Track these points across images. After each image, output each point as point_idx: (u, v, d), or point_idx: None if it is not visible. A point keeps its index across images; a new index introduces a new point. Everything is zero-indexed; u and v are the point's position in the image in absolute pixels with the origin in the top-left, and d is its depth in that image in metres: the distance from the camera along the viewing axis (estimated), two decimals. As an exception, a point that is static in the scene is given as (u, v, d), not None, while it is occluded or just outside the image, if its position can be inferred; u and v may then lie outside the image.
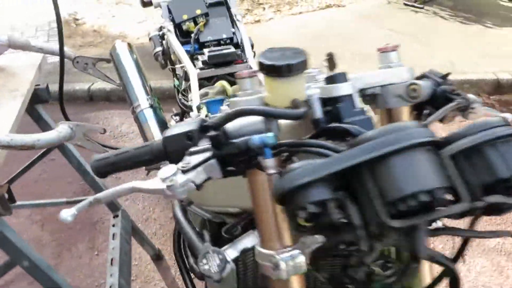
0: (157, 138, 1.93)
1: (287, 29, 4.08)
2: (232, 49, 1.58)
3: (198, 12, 1.73)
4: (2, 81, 1.25)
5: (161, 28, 1.98)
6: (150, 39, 2.04)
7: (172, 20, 1.76)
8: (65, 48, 1.40)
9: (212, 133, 0.62)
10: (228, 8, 1.84)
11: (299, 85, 0.63)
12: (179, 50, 1.63)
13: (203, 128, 0.64)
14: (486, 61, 3.35)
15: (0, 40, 1.31)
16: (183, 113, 1.80)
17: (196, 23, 1.74)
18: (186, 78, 1.66)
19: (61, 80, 1.16)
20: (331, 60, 0.76)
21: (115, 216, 1.74)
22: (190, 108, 1.54)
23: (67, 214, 0.66)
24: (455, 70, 3.26)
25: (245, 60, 1.60)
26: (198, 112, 1.41)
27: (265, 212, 0.68)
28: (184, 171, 0.60)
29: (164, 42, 1.80)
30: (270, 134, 0.58)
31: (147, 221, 2.25)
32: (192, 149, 0.63)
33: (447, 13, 4.20)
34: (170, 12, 1.78)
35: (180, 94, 1.65)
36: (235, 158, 0.62)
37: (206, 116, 1.30)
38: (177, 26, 1.74)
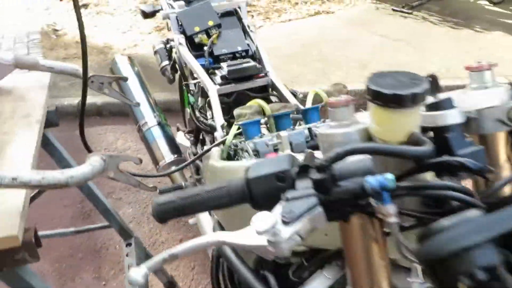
0: (167, 158, 1.82)
1: (279, 37, 4.02)
2: (252, 63, 1.49)
3: (211, 23, 1.64)
4: (12, 106, 1.12)
5: (168, 41, 1.87)
6: (155, 52, 1.93)
7: (183, 32, 1.66)
8: (79, 67, 1.29)
9: (316, 175, 0.53)
10: (240, 19, 1.75)
11: (417, 116, 0.55)
12: (195, 65, 1.53)
13: (302, 169, 0.55)
14: (481, 65, 3.36)
15: (5, 60, 1.18)
16: (198, 131, 1.69)
17: (209, 35, 1.64)
18: (203, 94, 1.57)
19: (83, 108, 1.05)
20: (434, 82, 0.67)
21: (128, 245, 1.62)
22: (211, 127, 1.44)
23: (137, 275, 0.56)
24: (450, 75, 3.26)
25: (265, 74, 1.52)
26: (223, 131, 1.32)
27: (363, 260, 0.59)
28: (287, 222, 0.51)
29: (174, 55, 1.69)
30: (389, 176, 0.50)
31: (155, 245, 2.12)
32: (290, 193, 0.54)
33: (435, 18, 4.22)
34: (180, 24, 1.67)
35: (197, 112, 1.54)
36: (342, 203, 0.53)
37: (236, 136, 1.21)
38: (189, 39, 1.64)
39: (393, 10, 4.42)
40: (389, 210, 0.50)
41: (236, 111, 1.10)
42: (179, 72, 1.82)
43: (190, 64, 1.55)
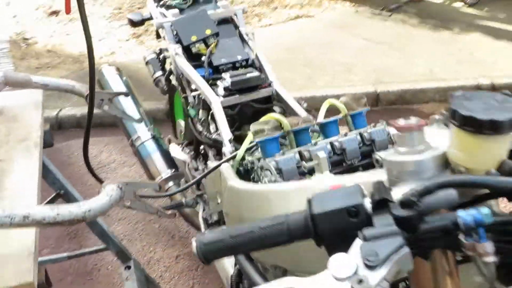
0: (163, 173, 1.73)
1: (261, 42, 3.95)
2: (256, 73, 1.42)
3: (208, 32, 1.57)
4: (6, 128, 1.02)
5: (161, 51, 1.79)
6: (147, 63, 1.84)
7: (179, 42, 1.58)
8: (76, 83, 1.19)
9: (400, 211, 0.47)
10: (236, 27, 1.69)
11: (507, 142, 0.50)
12: (195, 76, 1.45)
13: (380, 203, 0.49)
14: (463, 67, 3.41)
15: (-6, 78, 1.08)
16: (198, 144, 1.61)
17: (206, 45, 1.57)
18: (204, 106, 1.49)
19: (87, 133, 0.96)
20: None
21: (127, 268, 1.52)
22: (216, 142, 1.36)
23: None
24: (436, 78, 3.29)
25: (269, 84, 1.46)
26: (231, 145, 1.25)
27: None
28: (372, 266, 0.45)
29: (170, 66, 1.61)
30: (485, 211, 0.45)
31: (150, 263, 2.02)
32: (368, 231, 0.48)
33: (414, 20, 4.27)
34: (175, 33, 1.59)
35: (198, 125, 1.47)
36: (429, 241, 0.48)
37: (246, 152, 1.14)
38: (186, 49, 1.56)
39: (373, 13, 4.44)
40: (487, 249, 0.44)
41: (253, 127, 1.03)
42: (168, 82, 1.74)
43: (189, 75, 1.48)
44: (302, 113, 1.36)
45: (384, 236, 0.47)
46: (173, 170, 1.71)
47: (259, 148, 1.05)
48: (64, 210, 0.71)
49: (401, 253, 0.46)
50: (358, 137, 1.03)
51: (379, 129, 1.05)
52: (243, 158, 1.16)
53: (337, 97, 3.51)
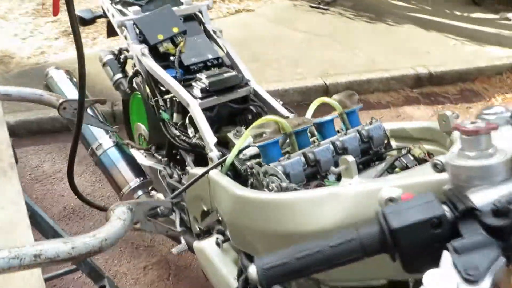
0: (132, 182, 1.62)
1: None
2: (233, 72, 1.37)
3: (176, 30, 1.48)
4: (-30, 149, 0.88)
5: (120, 51, 1.66)
6: (104, 64, 1.70)
7: (144, 41, 1.47)
8: (44, 92, 1.07)
9: (493, 220, 0.46)
10: (202, 23, 1.61)
11: None
12: (167, 78, 1.36)
13: (467, 212, 0.47)
14: (401, 56, 3.58)
15: None
16: (170, 149, 1.52)
17: (174, 44, 1.48)
18: (178, 109, 1.41)
19: (73, 153, 0.85)
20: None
21: (102, 287, 1.40)
22: (198, 146, 1.29)
23: None
24: (377, 68, 3.42)
25: (246, 83, 1.41)
26: (218, 151, 1.19)
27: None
28: (473, 281, 0.43)
29: (137, 68, 1.49)
30: None
31: (116, 277, 1.89)
32: (458, 243, 0.46)
33: (351, 14, 4.41)
34: (138, 32, 1.48)
35: (173, 129, 1.38)
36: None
37: (237, 157, 1.09)
38: (152, 49, 1.46)
39: (311, 6, 4.52)
40: None
41: (252, 131, 0.99)
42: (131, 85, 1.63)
43: (160, 77, 1.38)
44: (284, 111, 1.34)
45: (478, 247, 0.45)
46: (142, 178, 1.60)
47: (260, 153, 1.00)
48: (79, 243, 0.62)
49: (498, 264, 0.44)
50: (357, 135, 1.02)
51: (376, 126, 1.05)
52: (232, 163, 1.11)
53: (287, 91, 3.53)
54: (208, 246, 1.12)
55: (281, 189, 0.89)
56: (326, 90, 3.15)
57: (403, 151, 1.00)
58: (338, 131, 1.09)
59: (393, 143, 1.09)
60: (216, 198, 1.08)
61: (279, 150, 0.99)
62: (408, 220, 0.48)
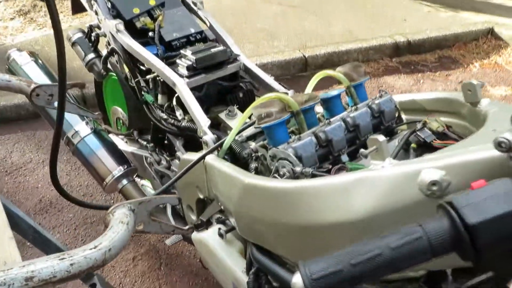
0: (115, 171, 1.49)
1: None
2: (221, 47, 1.25)
3: (153, 3, 1.34)
4: None
5: (91, 29, 1.50)
6: (73, 44, 1.55)
7: (118, 16, 1.33)
8: (12, 78, 0.93)
9: None
10: (179, -6, 1.47)
11: None
12: (148, 56, 1.23)
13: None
14: (377, 25, 3.51)
15: None
16: (155, 133, 1.40)
17: (152, 18, 1.34)
18: (163, 90, 1.28)
19: (55, 147, 0.73)
20: None
21: (92, 286, 1.30)
22: (189, 130, 1.18)
23: None
24: (356, 38, 3.34)
25: (235, 58, 1.30)
26: (214, 134, 1.09)
27: None
28: None
29: (112, 46, 1.35)
30: None
31: (104, 271, 1.78)
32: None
33: (323, -17, 4.28)
34: (111, 6, 1.33)
35: (159, 112, 1.26)
36: None
37: (244, 143, 0.99)
38: (128, 24, 1.32)
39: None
40: None
41: (256, 111, 0.89)
42: (106, 65, 1.48)
43: (140, 55, 1.25)
44: (279, 88, 1.24)
45: None
46: (125, 166, 1.48)
47: (266, 135, 0.91)
48: (78, 258, 0.52)
49: None
50: (369, 110, 0.94)
51: (387, 99, 0.97)
52: (230, 147, 1.01)
53: (265, 66, 3.41)
54: (210, 237, 1.03)
55: (294, 175, 0.81)
56: (305, 63, 3.06)
57: (418, 125, 0.93)
58: (344, 107, 1.00)
59: (404, 117, 1.02)
60: (217, 185, 0.99)
61: (286, 131, 0.90)
62: (488, 214, 0.41)
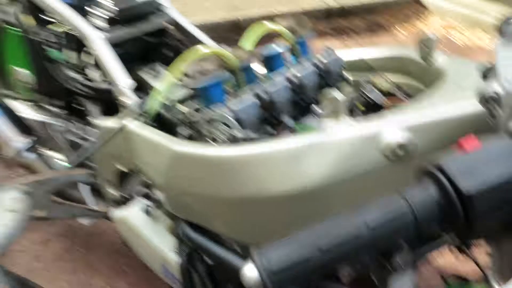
0: (18, 143, 1.28)
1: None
2: (145, -4, 1.08)
3: None
4: None
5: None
6: None
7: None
8: None
9: None
10: None
11: None
12: (57, 4, 1.03)
13: None
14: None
15: None
16: (66, 96, 1.20)
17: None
18: (72, 45, 1.09)
19: None
20: None
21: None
22: (105, 93, 1.02)
23: None
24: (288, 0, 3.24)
25: (163, 11, 1.13)
26: (138, 97, 0.94)
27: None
28: None
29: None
30: None
31: (12, 257, 1.57)
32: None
33: None
34: None
35: (71, 72, 1.07)
36: None
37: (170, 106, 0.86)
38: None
39: None
40: None
41: (188, 68, 0.75)
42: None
43: (46, 4, 1.04)
44: (215, 45, 1.10)
45: None
46: (28, 136, 1.27)
47: (200, 97, 0.78)
48: None
49: None
50: (315, 69, 0.85)
51: (334, 58, 0.88)
52: (157, 112, 0.88)
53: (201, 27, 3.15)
54: (133, 215, 0.90)
55: (234, 141, 0.70)
56: (238, 25, 2.91)
57: (366, 85, 0.86)
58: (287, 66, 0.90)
59: (350, 76, 0.94)
60: (141, 156, 0.85)
61: (222, 92, 0.78)
62: (487, 181, 0.33)
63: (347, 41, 3.11)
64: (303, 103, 0.84)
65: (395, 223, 0.34)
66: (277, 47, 0.87)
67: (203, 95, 0.77)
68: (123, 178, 1.01)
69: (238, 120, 0.72)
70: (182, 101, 0.93)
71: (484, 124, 0.43)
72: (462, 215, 0.33)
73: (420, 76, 0.80)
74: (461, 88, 0.57)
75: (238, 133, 0.69)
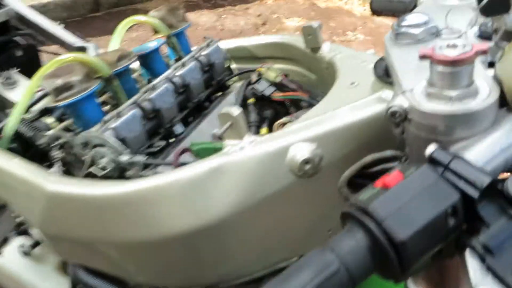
0: None
1: None
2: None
3: None
4: None
5: None
6: None
7: None
8: None
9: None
10: None
11: None
12: None
13: (487, 192, 0.32)
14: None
15: None
16: None
17: None
18: None
19: None
20: None
21: None
22: None
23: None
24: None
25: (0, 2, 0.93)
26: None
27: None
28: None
29: None
30: None
31: None
32: (486, 237, 0.31)
33: None
34: None
35: None
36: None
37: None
38: None
39: None
40: None
41: (48, 83, 0.62)
42: None
43: None
44: (72, 40, 0.95)
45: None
46: None
47: (70, 115, 0.66)
48: None
49: None
50: (198, 64, 0.77)
51: (215, 48, 0.81)
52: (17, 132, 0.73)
53: (46, 7, 2.84)
54: (9, 261, 0.75)
55: (119, 167, 0.60)
56: (97, 2, 2.63)
57: (253, 76, 0.81)
58: (165, 62, 0.81)
59: (233, 66, 0.89)
60: (6, 190, 0.70)
61: (98, 104, 0.67)
62: (418, 222, 0.31)
63: (220, 11, 3.04)
64: (191, 104, 0.77)
65: (330, 282, 0.30)
66: (151, 43, 0.77)
67: (73, 113, 0.64)
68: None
69: (120, 139, 0.62)
70: (47, 113, 0.79)
71: (387, 125, 0.41)
72: (396, 261, 0.30)
73: (309, 64, 0.78)
74: (358, 87, 0.55)
75: (123, 156, 0.59)
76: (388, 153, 0.46)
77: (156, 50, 0.75)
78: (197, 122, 0.77)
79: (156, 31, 0.80)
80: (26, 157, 0.78)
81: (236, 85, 0.88)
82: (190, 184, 0.49)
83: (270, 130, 0.78)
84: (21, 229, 0.78)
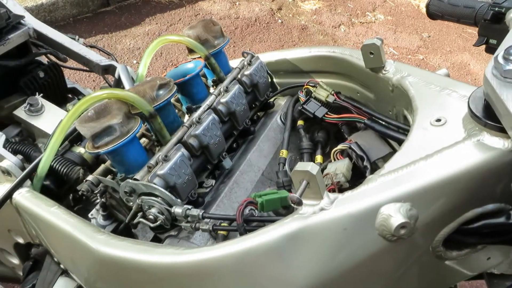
0: None
1: None
2: (-12, 8, 0.80)
3: None
4: None
5: None
6: None
7: None
8: None
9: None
10: None
11: None
12: None
13: None
14: None
15: None
16: None
17: None
18: None
19: None
20: None
21: None
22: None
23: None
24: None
25: (17, 22, 0.86)
26: (15, 154, 0.72)
27: None
28: None
29: None
30: None
31: None
32: None
33: None
34: None
35: None
36: None
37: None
38: None
39: None
40: None
41: (84, 129, 0.55)
42: None
43: None
44: (96, 57, 0.88)
45: None
46: None
47: (111, 161, 0.60)
48: None
49: None
50: (240, 87, 0.70)
51: (258, 66, 0.74)
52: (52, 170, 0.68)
53: (55, 5, 2.74)
54: None
55: (171, 219, 0.54)
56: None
57: (301, 95, 0.74)
58: (205, 85, 0.74)
59: (276, 80, 0.81)
60: (46, 237, 0.65)
61: (141, 145, 0.60)
62: None
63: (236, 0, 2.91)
64: (236, 131, 0.70)
65: None
66: (188, 65, 0.70)
67: (115, 160, 0.58)
68: (23, 249, 0.80)
69: (169, 186, 0.55)
70: (78, 140, 0.73)
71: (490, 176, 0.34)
72: None
73: (363, 80, 0.70)
74: (447, 126, 0.47)
75: (177, 209, 0.53)
76: (490, 207, 0.41)
77: (195, 76, 0.68)
78: (243, 150, 0.70)
79: (190, 50, 0.73)
80: (60, 193, 0.73)
81: (278, 101, 0.80)
82: (265, 254, 0.43)
83: (324, 155, 0.71)
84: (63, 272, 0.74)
